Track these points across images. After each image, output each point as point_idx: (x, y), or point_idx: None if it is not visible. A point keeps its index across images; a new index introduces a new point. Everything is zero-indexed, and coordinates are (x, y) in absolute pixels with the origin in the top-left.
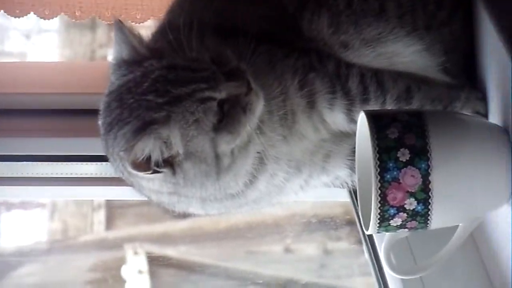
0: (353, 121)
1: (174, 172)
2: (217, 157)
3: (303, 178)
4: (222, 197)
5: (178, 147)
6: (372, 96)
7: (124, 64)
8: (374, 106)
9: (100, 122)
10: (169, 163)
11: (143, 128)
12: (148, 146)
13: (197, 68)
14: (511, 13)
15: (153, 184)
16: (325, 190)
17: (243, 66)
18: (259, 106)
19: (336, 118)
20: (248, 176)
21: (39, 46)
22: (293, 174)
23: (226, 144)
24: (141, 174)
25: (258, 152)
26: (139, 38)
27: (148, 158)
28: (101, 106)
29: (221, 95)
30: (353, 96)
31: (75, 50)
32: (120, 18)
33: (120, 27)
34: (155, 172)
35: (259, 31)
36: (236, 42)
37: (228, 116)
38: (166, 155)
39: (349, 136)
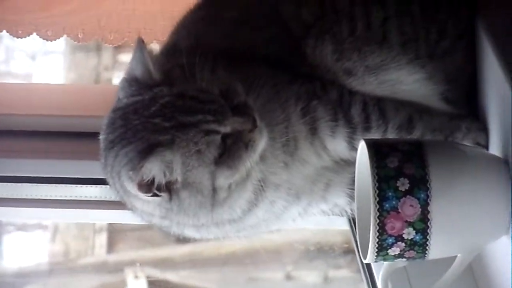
0: (355, 148)
1: (170, 198)
2: (214, 190)
3: (302, 206)
4: (219, 222)
5: (177, 174)
6: (374, 125)
7: (135, 84)
8: (375, 135)
9: (101, 137)
10: (168, 189)
11: (149, 150)
12: (155, 168)
13: (205, 99)
14: None
15: (147, 207)
16: (324, 218)
17: (251, 102)
18: (261, 144)
19: (337, 145)
20: (247, 204)
21: (45, 68)
22: (292, 202)
23: (224, 179)
24: (141, 195)
25: (258, 180)
26: (155, 62)
27: (152, 181)
28: (105, 121)
29: (226, 129)
30: (355, 124)
31: (81, 72)
32: (122, 42)
33: (140, 46)
34: (154, 195)
35: (265, 54)
36: (245, 69)
37: (230, 150)
38: (167, 179)
39: (350, 164)
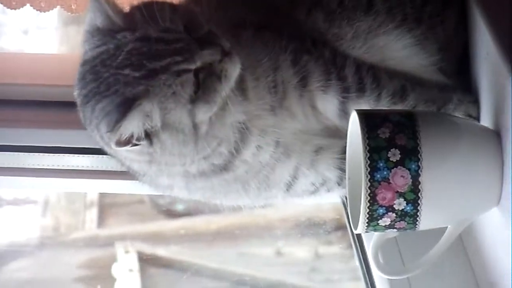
0: (345, 115)
1: (151, 143)
2: (195, 126)
3: (292, 166)
4: (206, 170)
5: (156, 120)
6: (368, 88)
7: (97, 34)
8: (369, 99)
9: (75, 93)
10: (147, 134)
11: (126, 105)
12: (133, 124)
13: (170, 39)
14: (506, 16)
15: (132, 154)
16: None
17: (214, 28)
18: (235, 72)
19: (328, 104)
20: (232, 144)
21: (37, 43)
22: (281, 158)
23: (203, 114)
24: (122, 149)
25: (239, 122)
26: (113, 7)
27: (131, 135)
28: (76, 76)
29: (196, 65)
30: (349, 83)
31: (73, 45)
32: None
33: None
34: (135, 145)
35: (250, 18)
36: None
37: (204, 85)
38: (146, 128)
39: (340, 135)
